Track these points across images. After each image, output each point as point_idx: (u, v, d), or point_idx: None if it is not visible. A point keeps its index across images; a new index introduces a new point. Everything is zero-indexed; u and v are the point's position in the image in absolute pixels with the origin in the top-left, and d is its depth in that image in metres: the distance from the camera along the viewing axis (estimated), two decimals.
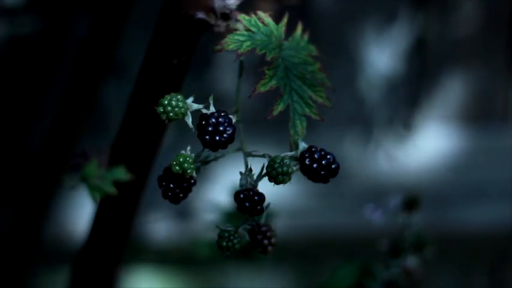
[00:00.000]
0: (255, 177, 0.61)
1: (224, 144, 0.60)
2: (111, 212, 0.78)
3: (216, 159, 0.63)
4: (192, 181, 0.64)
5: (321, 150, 0.61)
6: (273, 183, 0.60)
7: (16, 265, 1.37)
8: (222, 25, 0.64)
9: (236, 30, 0.64)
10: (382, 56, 1.58)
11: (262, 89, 0.61)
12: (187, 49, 0.66)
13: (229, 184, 1.02)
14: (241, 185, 0.61)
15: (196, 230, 1.53)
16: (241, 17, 0.62)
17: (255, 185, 0.61)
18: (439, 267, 1.59)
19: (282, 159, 0.60)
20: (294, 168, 0.60)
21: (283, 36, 0.64)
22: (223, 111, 0.60)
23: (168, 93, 0.61)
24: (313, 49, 0.65)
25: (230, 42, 0.61)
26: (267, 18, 0.63)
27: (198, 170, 0.63)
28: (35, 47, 1.50)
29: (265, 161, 0.60)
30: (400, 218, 0.88)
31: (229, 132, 0.59)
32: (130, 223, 0.79)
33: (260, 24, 0.63)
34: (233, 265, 1.62)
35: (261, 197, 0.60)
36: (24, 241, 1.35)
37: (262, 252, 0.62)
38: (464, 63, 1.59)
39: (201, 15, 0.63)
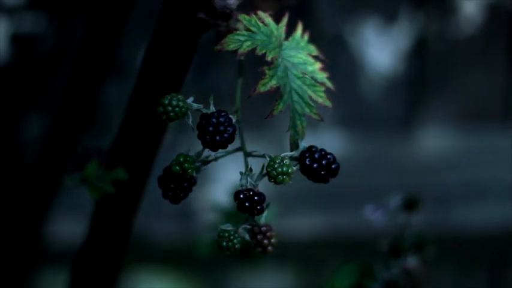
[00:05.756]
0: (255, 177, 0.61)
1: (224, 144, 0.60)
2: (111, 212, 0.78)
3: (216, 159, 0.63)
4: (193, 181, 0.64)
5: (321, 150, 0.61)
6: (273, 183, 0.60)
7: (16, 265, 1.37)
8: (222, 25, 0.64)
9: (236, 30, 0.64)
10: (382, 56, 1.58)
11: (262, 89, 0.61)
12: (188, 49, 0.65)
13: (229, 184, 1.01)
14: (241, 185, 0.61)
15: (196, 230, 1.53)
16: (241, 17, 0.62)
17: (255, 185, 0.61)
18: (439, 267, 1.59)
19: (282, 159, 0.60)
20: (294, 168, 0.60)
21: (283, 36, 0.63)
22: (223, 111, 0.60)
23: (168, 93, 0.61)
24: (313, 49, 0.65)
25: (230, 42, 0.61)
26: (267, 18, 0.63)
27: (198, 170, 0.63)
28: (36, 47, 1.50)
29: (265, 161, 0.60)
30: (400, 218, 0.88)
31: (229, 132, 0.59)
32: (130, 223, 0.79)
33: (260, 24, 0.63)
34: (233, 265, 1.62)
35: (261, 197, 0.60)
36: (24, 241, 1.35)
37: (262, 252, 0.62)
38: (465, 63, 1.59)
39: (201, 15, 0.63)
